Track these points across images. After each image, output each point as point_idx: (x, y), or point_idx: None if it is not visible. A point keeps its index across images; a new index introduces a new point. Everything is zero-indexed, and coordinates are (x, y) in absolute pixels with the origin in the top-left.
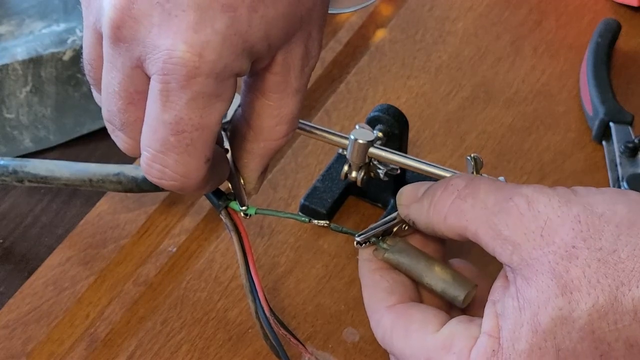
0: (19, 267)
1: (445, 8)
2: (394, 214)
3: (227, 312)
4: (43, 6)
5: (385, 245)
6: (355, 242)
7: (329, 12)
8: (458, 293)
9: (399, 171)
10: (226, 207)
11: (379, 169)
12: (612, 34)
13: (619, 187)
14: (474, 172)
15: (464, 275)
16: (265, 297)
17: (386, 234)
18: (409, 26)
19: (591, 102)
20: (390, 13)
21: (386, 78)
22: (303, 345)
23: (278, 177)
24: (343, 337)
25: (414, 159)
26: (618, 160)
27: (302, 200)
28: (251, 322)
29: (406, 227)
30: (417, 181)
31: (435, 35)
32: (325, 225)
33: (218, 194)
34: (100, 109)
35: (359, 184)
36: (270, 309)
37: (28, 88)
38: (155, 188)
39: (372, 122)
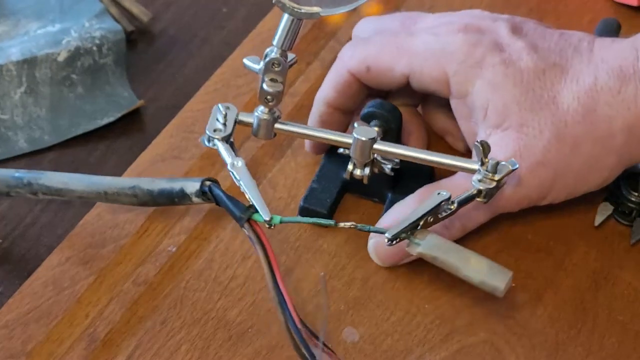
0: (19, 267)
1: (444, 8)
2: (418, 209)
3: (226, 311)
4: (39, 6)
5: (416, 240)
6: (386, 240)
7: (322, 14)
8: (497, 284)
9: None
10: (249, 220)
11: (384, 164)
12: (612, 34)
13: (619, 187)
14: (484, 158)
15: (498, 264)
16: (295, 308)
17: (413, 228)
18: None
19: None
20: (390, 12)
21: None
22: (336, 355)
23: (278, 177)
24: (343, 336)
25: (420, 151)
26: None
27: (302, 203)
28: (251, 322)
29: (431, 220)
30: (415, 171)
31: None
32: (352, 226)
33: (239, 206)
34: (94, 109)
35: (365, 181)
36: (301, 320)
37: (22, 89)
38: (171, 202)
39: (366, 118)
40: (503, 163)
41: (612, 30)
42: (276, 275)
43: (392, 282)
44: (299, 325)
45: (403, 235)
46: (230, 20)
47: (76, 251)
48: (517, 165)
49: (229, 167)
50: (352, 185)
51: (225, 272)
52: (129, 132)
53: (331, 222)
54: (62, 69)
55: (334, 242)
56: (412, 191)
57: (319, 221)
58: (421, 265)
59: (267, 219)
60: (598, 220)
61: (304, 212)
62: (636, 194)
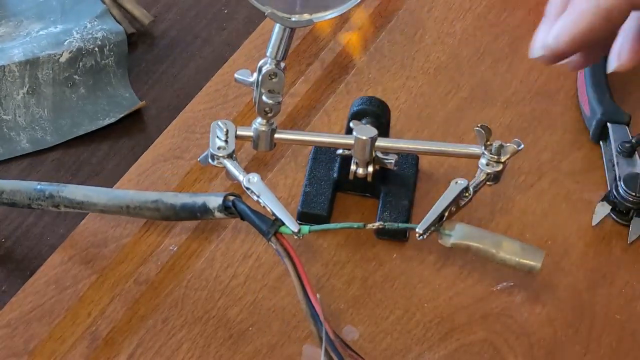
0: (21, 266)
1: (444, 9)
2: (441, 200)
3: (227, 310)
4: (41, 8)
5: (446, 232)
6: (417, 235)
7: (314, 20)
8: (534, 263)
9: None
10: (275, 233)
11: (386, 159)
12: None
13: (616, 186)
14: (486, 141)
15: (529, 244)
16: (328, 321)
17: (440, 219)
18: (408, 27)
19: (588, 102)
20: (389, 14)
21: (385, 79)
22: None
23: (278, 177)
24: (343, 335)
25: (423, 142)
26: (615, 160)
27: (300, 208)
28: (251, 320)
29: (454, 209)
30: (401, 162)
31: (434, 36)
32: (380, 226)
33: (265, 221)
34: (96, 110)
35: (369, 178)
36: (334, 332)
37: (25, 89)
38: (194, 217)
39: (358, 116)
40: (507, 144)
41: None
42: (306, 288)
43: (392, 281)
44: (332, 337)
45: (433, 228)
46: (231, 21)
47: (78, 250)
48: (522, 146)
49: (244, 184)
50: (344, 184)
51: (226, 272)
52: (130, 132)
53: (360, 224)
54: (64, 70)
55: (334, 242)
56: (402, 181)
57: (349, 225)
58: (420, 265)
59: (295, 230)
60: (596, 220)
61: (303, 217)
62: (633, 194)
